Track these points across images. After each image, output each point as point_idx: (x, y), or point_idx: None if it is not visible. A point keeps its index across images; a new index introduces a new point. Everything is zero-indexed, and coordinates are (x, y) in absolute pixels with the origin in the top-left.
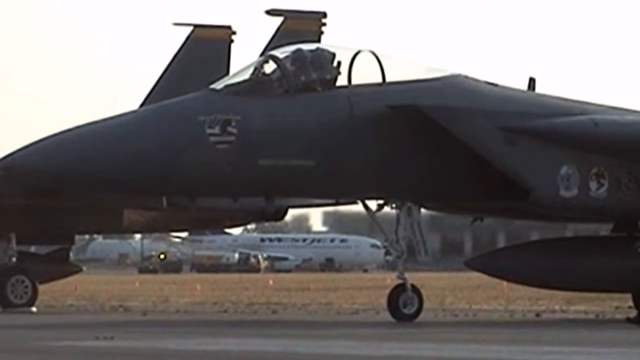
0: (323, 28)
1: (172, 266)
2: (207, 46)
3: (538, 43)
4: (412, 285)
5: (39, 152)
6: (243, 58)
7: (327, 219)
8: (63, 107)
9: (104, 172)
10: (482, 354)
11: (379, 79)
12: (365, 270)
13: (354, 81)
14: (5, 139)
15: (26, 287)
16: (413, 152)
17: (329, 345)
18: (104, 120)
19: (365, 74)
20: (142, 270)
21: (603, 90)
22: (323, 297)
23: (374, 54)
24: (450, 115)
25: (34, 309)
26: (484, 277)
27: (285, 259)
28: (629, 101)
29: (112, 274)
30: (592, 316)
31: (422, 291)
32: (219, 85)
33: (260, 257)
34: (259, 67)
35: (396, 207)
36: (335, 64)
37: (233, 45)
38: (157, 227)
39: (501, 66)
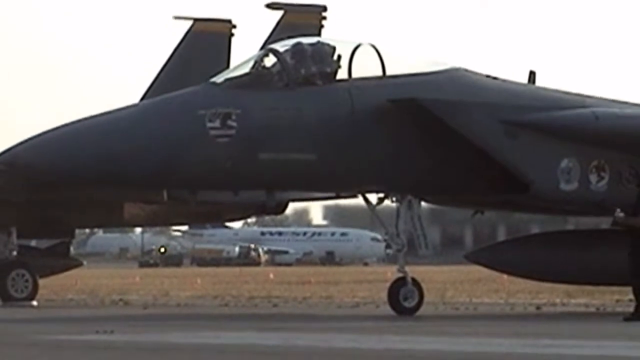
0: (323, 22)
1: (172, 260)
2: (207, 40)
3: (538, 36)
4: (413, 279)
5: (40, 146)
6: (243, 52)
7: (328, 212)
8: (63, 101)
9: (104, 166)
10: (483, 347)
11: (380, 73)
12: (366, 264)
13: (355, 75)
14: (5, 137)
15: (27, 281)
16: (414, 145)
17: (329, 339)
18: (105, 114)
19: (366, 67)
20: (143, 264)
21: (603, 83)
22: (323, 291)
23: (374, 47)
24: (451, 109)
25: (34, 303)
26: (485, 271)
27: (286, 252)
28: (630, 94)
29: (113, 268)
30: (592, 309)
31: (423, 284)
32: (219, 79)
33: (260, 250)
34: (259, 61)
35: (396, 201)
36: (335, 57)
37: (233, 39)
38: (158, 220)
39: (501, 59)
